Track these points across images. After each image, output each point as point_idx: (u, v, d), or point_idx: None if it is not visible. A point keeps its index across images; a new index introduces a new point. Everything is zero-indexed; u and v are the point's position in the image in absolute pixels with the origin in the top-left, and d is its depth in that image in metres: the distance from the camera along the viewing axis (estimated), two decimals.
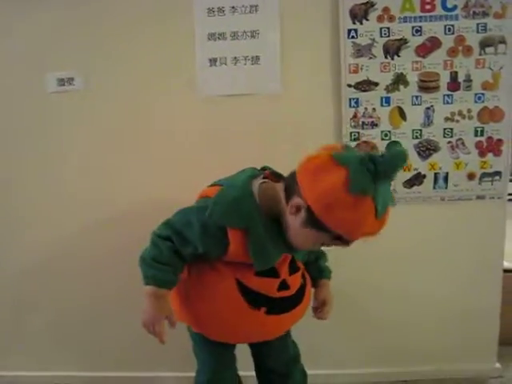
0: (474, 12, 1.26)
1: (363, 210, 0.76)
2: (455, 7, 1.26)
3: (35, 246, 1.42)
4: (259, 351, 1.13)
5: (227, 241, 0.88)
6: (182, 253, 0.92)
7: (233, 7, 1.28)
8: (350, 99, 1.29)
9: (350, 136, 1.31)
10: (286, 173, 0.88)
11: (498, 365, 1.45)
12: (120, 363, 1.47)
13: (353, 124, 1.30)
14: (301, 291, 1.00)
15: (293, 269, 0.99)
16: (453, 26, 1.26)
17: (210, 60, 1.29)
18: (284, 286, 0.96)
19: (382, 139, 1.31)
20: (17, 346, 1.49)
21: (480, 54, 1.27)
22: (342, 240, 0.82)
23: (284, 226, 0.88)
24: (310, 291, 1.06)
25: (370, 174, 0.75)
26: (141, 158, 1.36)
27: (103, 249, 1.40)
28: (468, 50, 1.27)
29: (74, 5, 1.30)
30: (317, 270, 1.10)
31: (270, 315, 0.95)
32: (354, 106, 1.29)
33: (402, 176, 1.32)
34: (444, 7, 1.26)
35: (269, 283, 0.94)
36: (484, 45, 1.27)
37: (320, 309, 1.07)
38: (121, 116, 1.35)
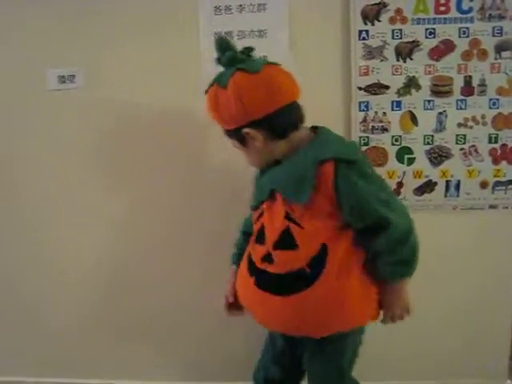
0: (490, 15, 1.21)
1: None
2: (471, 9, 1.21)
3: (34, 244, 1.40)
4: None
5: None
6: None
7: (240, 5, 1.24)
8: (359, 102, 1.25)
9: (360, 140, 1.26)
10: None
11: (509, 382, 1.40)
12: None
13: (362, 128, 1.26)
14: (300, 278, 0.88)
15: (283, 244, 0.90)
16: (468, 28, 1.22)
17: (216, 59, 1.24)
18: (268, 258, 0.92)
19: (393, 144, 1.26)
20: None
21: (495, 59, 1.23)
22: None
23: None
24: (338, 293, 0.90)
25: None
26: (142, 155, 1.33)
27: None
28: (483, 54, 1.23)
29: (77, 1, 1.26)
30: (378, 270, 0.94)
31: (258, 289, 0.93)
32: (363, 110, 1.25)
33: (412, 183, 1.28)
34: (459, 9, 1.21)
35: (258, 250, 0.96)
36: (500, 49, 1.22)
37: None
38: (122, 114, 1.31)
